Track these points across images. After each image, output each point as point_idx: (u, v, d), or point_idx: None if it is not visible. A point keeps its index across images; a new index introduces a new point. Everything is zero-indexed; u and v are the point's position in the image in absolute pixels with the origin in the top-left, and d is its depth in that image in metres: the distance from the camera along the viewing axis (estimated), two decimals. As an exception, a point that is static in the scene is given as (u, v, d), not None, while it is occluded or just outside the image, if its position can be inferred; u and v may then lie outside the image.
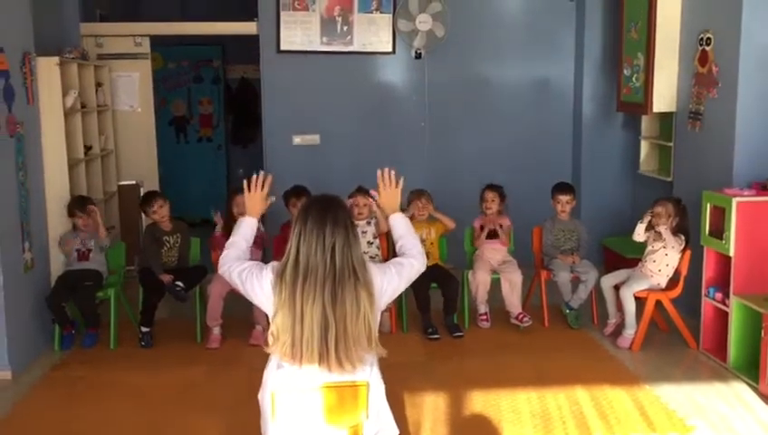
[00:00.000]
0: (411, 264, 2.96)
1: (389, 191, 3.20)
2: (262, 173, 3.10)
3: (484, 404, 4.06)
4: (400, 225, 3.10)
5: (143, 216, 6.84)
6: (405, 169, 6.58)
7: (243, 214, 5.07)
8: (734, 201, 4.43)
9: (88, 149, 6.00)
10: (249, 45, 8.79)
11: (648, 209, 4.99)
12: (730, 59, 4.89)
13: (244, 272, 2.84)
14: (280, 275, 2.73)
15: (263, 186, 3.10)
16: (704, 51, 5.17)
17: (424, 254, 3.03)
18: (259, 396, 2.94)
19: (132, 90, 6.86)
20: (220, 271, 2.97)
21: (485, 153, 6.89)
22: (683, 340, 4.95)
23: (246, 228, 3.06)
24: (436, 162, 6.89)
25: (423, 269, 3.00)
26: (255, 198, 3.10)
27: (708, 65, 5.12)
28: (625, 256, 5.95)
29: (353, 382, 2.75)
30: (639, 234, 5.00)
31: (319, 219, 2.71)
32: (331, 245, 2.68)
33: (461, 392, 4.20)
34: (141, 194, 6.84)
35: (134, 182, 6.89)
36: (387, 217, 3.16)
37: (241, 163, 9.97)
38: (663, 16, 5.49)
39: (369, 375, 2.82)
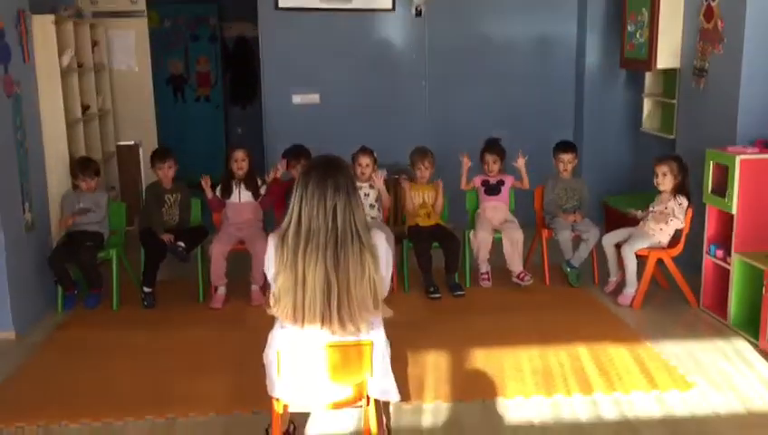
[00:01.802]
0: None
1: None
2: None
3: (486, 362, 4.08)
4: None
5: (142, 176, 6.88)
6: (406, 128, 6.73)
7: (241, 169, 5.11)
8: (738, 159, 4.40)
9: (85, 109, 5.94)
10: (245, 2, 8.68)
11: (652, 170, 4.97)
12: (736, 14, 4.81)
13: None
14: (281, 238, 2.73)
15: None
16: (709, 6, 5.09)
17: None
18: (264, 355, 2.96)
19: (129, 48, 6.77)
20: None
21: (486, 111, 6.84)
22: (683, 297, 4.96)
23: None
24: (437, 121, 6.84)
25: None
26: None
27: (714, 21, 5.05)
28: (627, 215, 5.92)
29: (358, 341, 2.77)
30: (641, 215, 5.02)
31: (320, 182, 2.69)
32: (333, 207, 2.68)
33: (463, 351, 4.23)
34: (140, 153, 6.85)
35: (132, 142, 6.85)
36: None
37: (240, 123, 9.91)
38: (668, -29, 5.41)
39: (373, 335, 2.84)
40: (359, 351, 2.77)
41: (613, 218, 6.26)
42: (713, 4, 5.05)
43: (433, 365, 4.04)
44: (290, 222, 2.73)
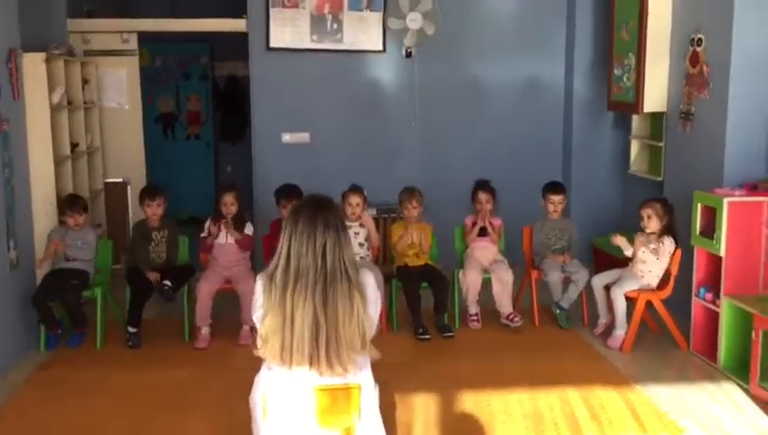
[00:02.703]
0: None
1: None
2: None
3: (475, 405, 4.04)
4: None
5: (129, 214, 6.85)
6: (395, 168, 6.75)
7: (230, 213, 5.09)
8: (725, 201, 4.43)
9: (74, 146, 5.93)
10: (237, 43, 8.74)
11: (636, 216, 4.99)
12: (721, 59, 4.88)
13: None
14: (270, 278, 2.70)
15: None
16: (695, 51, 5.17)
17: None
18: (250, 397, 2.90)
19: (120, 86, 6.80)
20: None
21: (475, 152, 6.87)
22: (673, 340, 4.94)
23: None
24: (427, 161, 6.86)
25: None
26: None
27: (699, 66, 5.12)
28: (616, 257, 5.92)
29: (346, 384, 2.71)
30: (627, 249, 4.99)
31: (309, 221, 2.67)
32: (322, 245, 2.64)
33: (452, 393, 4.18)
34: (128, 191, 6.83)
35: (121, 180, 6.82)
36: None
37: (229, 160, 9.92)
38: (654, 16, 5.49)
39: (361, 377, 2.79)
40: (347, 394, 2.72)
41: (602, 260, 6.26)
42: (698, 49, 5.13)
43: (422, 408, 3.99)
44: (278, 261, 2.69)
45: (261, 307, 2.73)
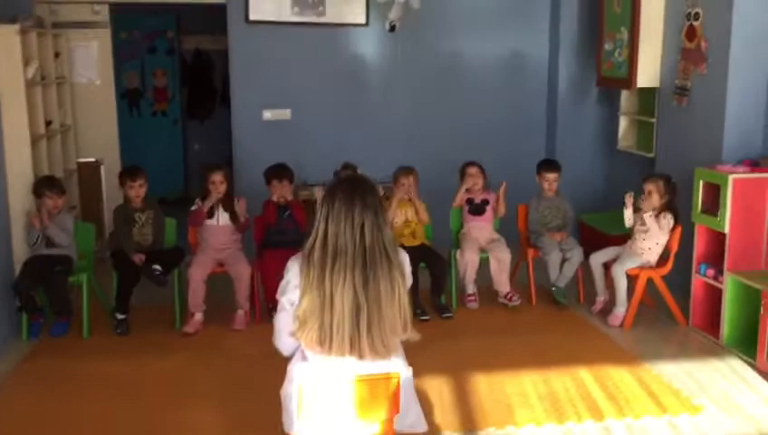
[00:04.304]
0: None
1: None
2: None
3: (489, 388, 3.96)
4: None
5: (104, 195, 6.55)
6: (379, 144, 6.59)
7: (219, 192, 4.88)
8: (731, 178, 4.41)
9: (47, 124, 5.61)
10: (205, 15, 8.42)
11: (638, 189, 4.93)
12: (720, 34, 4.85)
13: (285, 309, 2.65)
14: (307, 257, 2.56)
15: None
16: (691, 26, 5.13)
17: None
18: (281, 391, 2.76)
19: (90, 61, 6.46)
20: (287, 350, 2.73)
21: (459, 128, 6.77)
22: (671, 317, 4.95)
23: None
24: (410, 138, 6.71)
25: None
26: None
27: (696, 40, 5.08)
28: (606, 233, 5.92)
29: (386, 374, 2.60)
30: (629, 218, 4.95)
31: (347, 200, 2.56)
32: (360, 225, 2.54)
33: (463, 376, 4.09)
34: (102, 171, 6.52)
35: (94, 160, 6.51)
36: None
37: (198, 138, 9.62)
38: (648, -9, 5.44)
39: (399, 365, 2.68)
40: (386, 384, 2.60)
41: (589, 237, 6.24)
42: (695, 24, 5.09)
43: (436, 392, 3.89)
44: (315, 240, 2.56)
45: (295, 288, 2.60)
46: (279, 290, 2.70)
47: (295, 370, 2.71)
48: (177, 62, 9.21)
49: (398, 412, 2.66)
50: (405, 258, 2.68)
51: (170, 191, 8.63)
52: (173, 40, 9.14)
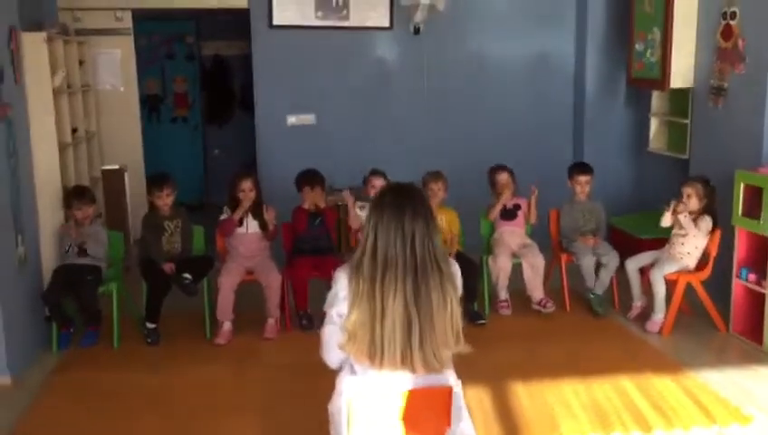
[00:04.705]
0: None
1: None
2: None
3: (529, 397, 3.87)
4: None
5: (128, 202, 6.52)
6: (404, 149, 6.51)
7: (249, 199, 4.82)
8: (774, 181, 4.31)
9: (73, 132, 5.57)
10: (225, 20, 8.39)
11: (671, 192, 4.83)
12: (758, 33, 4.75)
13: (332, 321, 2.57)
14: (356, 268, 2.49)
15: None
16: (728, 25, 5.02)
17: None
18: (330, 404, 2.69)
19: (114, 67, 6.44)
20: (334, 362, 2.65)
21: (485, 130, 6.70)
22: (710, 322, 4.84)
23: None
24: (436, 141, 6.63)
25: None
26: None
27: (733, 40, 4.98)
28: (637, 236, 5.81)
29: (438, 387, 2.53)
30: (666, 219, 4.84)
31: (396, 209, 2.48)
32: (411, 234, 2.46)
33: (502, 385, 4.01)
34: (126, 178, 6.49)
35: (117, 167, 6.47)
36: None
37: (217, 143, 9.58)
38: (682, -10, 5.34)
39: (451, 378, 2.61)
40: (438, 397, 2.53)
41: (619, 240, 6.11)
42: (732, 23, 4.99)
43: (476, 401, 3.80)
44: (364, 251, 2.48)
45: (344, 300, 2.52)
46: (327, 302, 2.62)
47: (344, 383, 2.63)
48: (198, 67, 9.16)
49: (449, 427, 2.59)
50: (456, 269, 2.60)
51: (191, 197, 8.58)
52: (192, 45, 9.10)
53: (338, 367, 2.68)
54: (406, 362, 2.47)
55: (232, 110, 9.54)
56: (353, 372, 2.60)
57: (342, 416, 2.56)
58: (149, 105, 9.05)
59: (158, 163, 8.40)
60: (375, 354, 2.47)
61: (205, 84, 9.36)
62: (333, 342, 2.58)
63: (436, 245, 2.50)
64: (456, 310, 2.52)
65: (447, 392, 2.54)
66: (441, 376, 2.55)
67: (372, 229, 2.49)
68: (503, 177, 5.33)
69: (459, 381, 2.73)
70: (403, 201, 2.50)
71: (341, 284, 2.56)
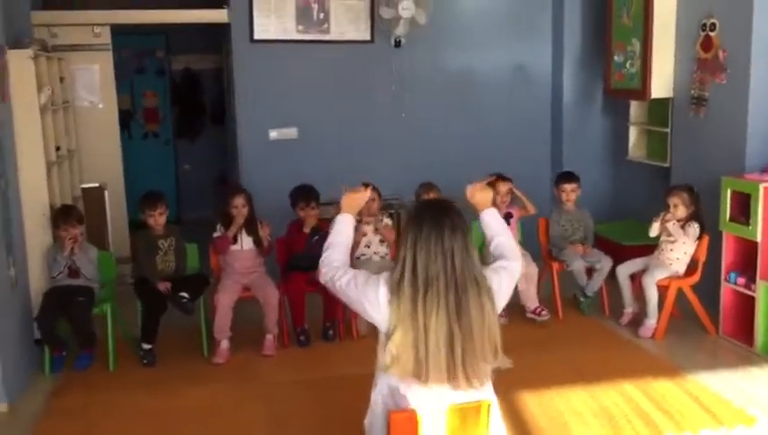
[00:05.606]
0: (514, 268, 2.77)
1: (479, 187, 2.95)
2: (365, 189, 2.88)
3: (540, 407, 3.91)
4: (494, 221, 2.89)
5: (108, 220, 6.39)
6: (386, 161, 6.53)
7: (242, 215, 4.80)
8: (761, 187, 4.44)
9: (56, 150, 5.44)
10: (195, 34, 8.30)
11: (660, 202, 4.96)
12: (739, 44, 4.90)
13: (356, 280, 2.58)
14: (396, 289, 2.48)
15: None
16: (707, 36, 5.18)
17: (520, 254, 2.86)
18: (365, 420, 2.68)
19: (92, 84, 6.33)
20: (323, 279, 2.69)
21: (466, 141, 6.74)
22: (699, 325, 4.96)
23: (348, 227, 2.80)
24: (418, 153, 6.66)
25: (521, 271, 2.83)
26: (358, 198, 2.85)
27: (714, 51, 5.13)
28: (620, 243, 5.92)
29: (477, 402, 2.54)
30: (655, 229, 4.95)
31: (435, 224, 2.48)
32: (450, 250, 2.46)
33: (510, 395, 4.02)
34: (105, 196, 6.37)
35: (97, 185, 6.35)
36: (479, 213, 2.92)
37: (189, 158, 9.47)
38: (660, 2, 5.47)
39: (489, 392, 2.62)
40: (478, 412, 2.54)
41: (603, 248, 6.20)
42: (711, 34, 5.14)
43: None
44: (402, 271, 2.48)
45: (386, 321, 2.49)
46: (362, 278, 2.58)
47: (379, 400, 2.63)
48: (168, 81, 9.05)
49: (488, 440, 2.60)
50: (492, 281, 2.62)
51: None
52: (163, 60, 8.99)
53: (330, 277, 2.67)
54: (450, 376, 2.48)
55: (203, 124, 9.44)
56: (392, 387, 2.59)
57: (378, 432, 2.56)
58: (120, 121, 8.86)
59: (131, 179, 8.29)
60: (420, 374, 2.46)
61: (175, 99, 9.24)
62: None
63: (473, 257, 2.52)
64: (494, 325, 2.53)
65: (488, 406, 2.56)
66: (480, 391, 2.56)
67: (411, 247, 2.48)
68: (502, 187, 5.35)
69: (495, 396, 2.75)
70: (441, 217, 2.50)
71: (382, 292, 2.50)
